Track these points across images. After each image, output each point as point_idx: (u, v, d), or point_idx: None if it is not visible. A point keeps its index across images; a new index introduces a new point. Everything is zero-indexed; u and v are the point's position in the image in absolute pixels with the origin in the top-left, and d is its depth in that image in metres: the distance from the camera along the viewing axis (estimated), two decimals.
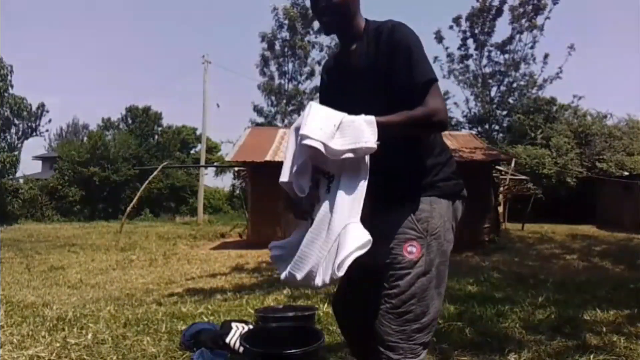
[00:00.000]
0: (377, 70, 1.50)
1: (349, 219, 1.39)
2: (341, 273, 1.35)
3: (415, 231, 1.49)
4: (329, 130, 1.37)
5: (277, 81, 26.67)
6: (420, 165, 1.54)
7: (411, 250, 1.48)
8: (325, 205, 1.44)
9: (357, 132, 1.38)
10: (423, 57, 1.44)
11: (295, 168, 1.42)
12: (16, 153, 23.59)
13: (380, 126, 1.38)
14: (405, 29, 1.49)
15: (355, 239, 1.37)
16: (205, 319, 3.75)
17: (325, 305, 4.08)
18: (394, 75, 1.46)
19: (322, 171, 1.50)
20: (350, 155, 1.38)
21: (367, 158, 1.41)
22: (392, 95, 1.47)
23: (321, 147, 1.35)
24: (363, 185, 1.41)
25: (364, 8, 1.65)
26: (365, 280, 1.57)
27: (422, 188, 1.52)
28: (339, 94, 1.64)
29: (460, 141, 13.05)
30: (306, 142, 1.35)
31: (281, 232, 11.16)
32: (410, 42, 1.45)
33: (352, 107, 1.49)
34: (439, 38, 26.59)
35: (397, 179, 1.54)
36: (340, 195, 1.41)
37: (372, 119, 1.40)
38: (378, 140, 1.38)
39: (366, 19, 1.63)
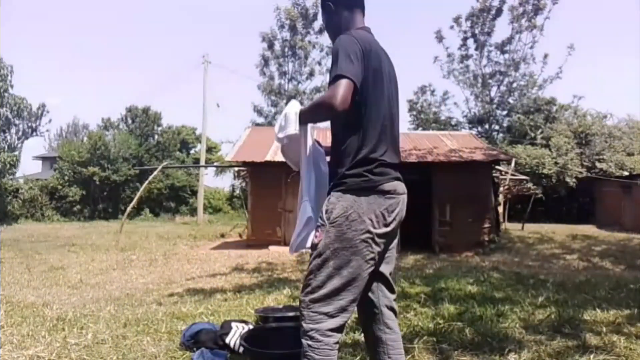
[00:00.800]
0: None
1: (303, 196, 1.89)
2: (290, 252, 1.94)
3: (322, 220, 1.80)
4: (279, 125, 1.89)
5: (277, 81, 26.71)
6: (339, 165, 1.82)
7: (316, 236, 1.80)
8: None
9: (286, 123, 1.85)
10: (340, 59, 1.72)
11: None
12: (16, 153, 23.59)
13: (300, 113, 1.83)
14: (340, 40, 1.80)
15: (301, 217, 1.86)
16: (205, 319, 3.75)
17: None
18: None
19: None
20: (286, 141, 1.88)
21: (304, 147, 1.88)
22: None
23: (277, 140, 1.91)
24: (303, 169, 1.90)
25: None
26: None
27: (335, 185, 1.81)
28: None
29: (460, 141, 13.03)
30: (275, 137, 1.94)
31: (281, 232, 11.16)
32: (337, 49, 1.76)
33: None
34: (439, 38, 26.69)
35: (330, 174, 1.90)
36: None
37: (297, 109, 1.85)
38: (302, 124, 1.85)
39: (363, 27, 1.95)
